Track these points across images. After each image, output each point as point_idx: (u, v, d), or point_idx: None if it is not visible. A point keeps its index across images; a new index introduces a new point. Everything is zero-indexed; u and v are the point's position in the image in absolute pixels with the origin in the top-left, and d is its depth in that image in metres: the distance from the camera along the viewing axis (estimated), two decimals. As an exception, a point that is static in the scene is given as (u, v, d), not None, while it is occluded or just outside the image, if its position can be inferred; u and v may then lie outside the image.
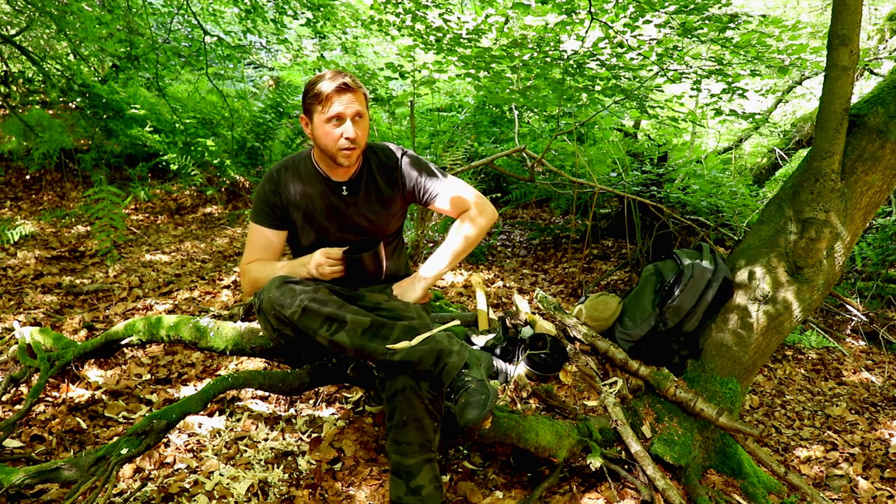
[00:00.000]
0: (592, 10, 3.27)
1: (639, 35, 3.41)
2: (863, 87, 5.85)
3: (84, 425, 2.04)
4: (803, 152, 5.07)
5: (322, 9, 5.41)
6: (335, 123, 1.65)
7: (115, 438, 1.61)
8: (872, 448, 2.76)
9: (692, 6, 3.13)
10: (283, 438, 2.03)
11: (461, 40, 3.70)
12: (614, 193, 4.06)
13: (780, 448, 2.69)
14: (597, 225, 5.25)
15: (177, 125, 5.43)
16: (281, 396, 2.27)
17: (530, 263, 4.79)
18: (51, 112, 5.57)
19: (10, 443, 1.88)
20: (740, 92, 3.50)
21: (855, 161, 1.97)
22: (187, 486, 1.76)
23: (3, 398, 2.14)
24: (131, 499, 1.68)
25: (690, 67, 3.69)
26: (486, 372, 2.17)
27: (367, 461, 1.91)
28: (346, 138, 1.64)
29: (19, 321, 2.78)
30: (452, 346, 1.57)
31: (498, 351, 2.23)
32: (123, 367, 2.44)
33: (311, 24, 5.49)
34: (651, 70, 3.72)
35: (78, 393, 2.22)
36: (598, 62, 3.59)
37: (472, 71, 3.76)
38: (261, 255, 1.80)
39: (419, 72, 4.23)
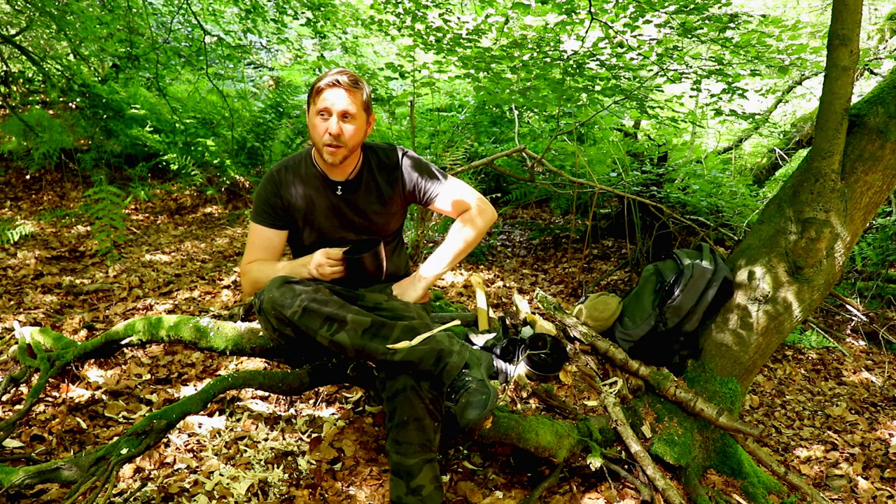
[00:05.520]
0: (592, 10, 3.27)
1: (639, 35, 3.41)
2: (863, 87, 5.85)
3: (84, 425, 2.04)
4: (803, 152, 5.07)
5: (322, 9, 5.41)
6: (323, 118, 1.66)
7: (115, 438, 1.61)
8: (872, 448, 2.76)
9: (692, 6, 3.13)
10: (283, 438, 2.03)
11: (461, 40, 3.70)
12: (614, 193, 4.06)
13: (780, 448, 2.69)
14: (597, 225, 5.25)
15: (177, 125, 5.43)
16: (281, 396, 2.27)
17: (530, 263, 4.79)
18: (51, 112, 5.57)
19: (10, 443, 1.88)
20: (740, 92, 3.50)
21: (855, 161, 1.97)
22: (187, 486, 1.76)
23: (3, 398, 2.14)
24: (131, 499, 1.68)
25: (690, 67, 3.69)
26: (487, 372, 2.17)
27: (367, 461, 1.91)
28: (329, 133, 1.65)
29: (19, 321, 2.78)
30: (453, 346, 1.57)
31: (498, 351, 2.23)
32: (123, 367, 2.44)
33: (311, 24, 5.49)
34: (651, 70, 3.72)
35: (78, 393, 2.22)
36: (598, 62, 3.59)
37: (472, 71, 3.76)
38: (261, 255, 1.80)
39: (419, 72, 4.23)
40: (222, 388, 1.75)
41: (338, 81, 1.63)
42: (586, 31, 3.47)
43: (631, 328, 2.21)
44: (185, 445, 1.96)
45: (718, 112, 3.77)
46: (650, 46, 3.47)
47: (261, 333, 2.12)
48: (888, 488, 2.44)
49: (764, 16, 3.53)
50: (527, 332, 2.38)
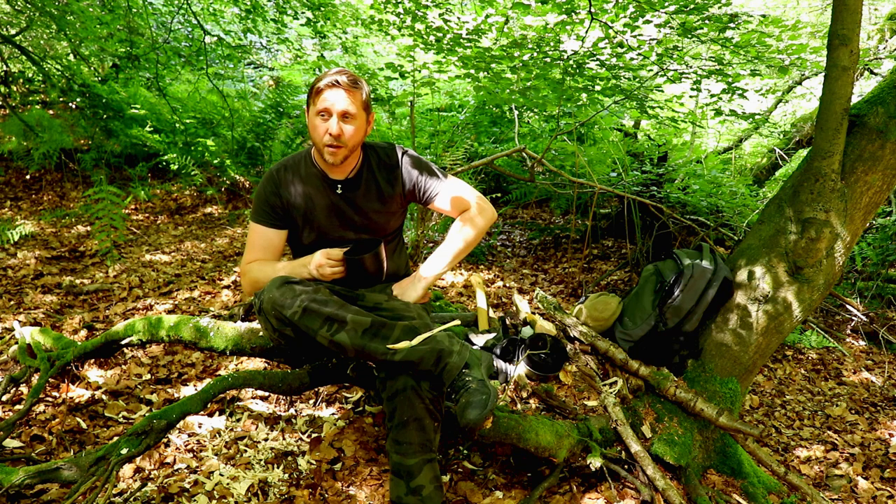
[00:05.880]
0: (592, 10, 3.27)
1: (639, 35, 3.41)
2: (863, 87, 5.84)
3: (84, 425, 2.04)
4: (803, 152, 5.07)
5: (322, 8, 5.41)
6: (323, 118, 1.66)
7: (115, 438, 1.61)
8: (872, 448, 2.76)
9: (692, 6, 3.13)
10: (283, 438, 2.03)
11: (461, 40, 3.70)
12: (614, 193, 4.06)
13: (780, 448, 2.69)
14: (597, 225, 5.25)
15: (177, 125, 5.43)
16: (281, 396, 2.27)
17: (530, 263, 4.79)
18: (51, 112, 5.57)
19: (10, 443, 1.88)
20: (740, 92, 3.50)
21: (855, 161, 1.97)
22: (187, 486, 1.76)
23: (3, 398, 2.14)
24: (131, 499, 1.68)
25: (690, 67, 3.69)
26: (487, 372, 2.17)
27: (367, 461, 1.91)
28: (330, 134, 1.65)
29: (19, 321, 2.78)
30: (453, 346, 1.57)
31: (498, 351, 2.23)
32: (123, 367, 2.44)
33: (311, 24, 5.49)
34: (651, 70, 3.72)
35: (78, 393, 2.22)
36: (598, 62, 3.59)
37: (472, 71, 3.76)
38: (261, 255, 1.80)
39: (419, 72, 4.23)
40: (222, 388, 1.75)
41: (337, 82, 1.64)
42: (586, 31, 3.47)
43: (631, 328, 2.21)
44: (185, 445, 1.96)
45: (718, 112, 3.77)
46: (650, 46, 3.47)
47: (261, 333, 2.12)
48: (888, 488, 2.44)
49: (764, 16, 3.53)
50: (527, 332, 2.38)
